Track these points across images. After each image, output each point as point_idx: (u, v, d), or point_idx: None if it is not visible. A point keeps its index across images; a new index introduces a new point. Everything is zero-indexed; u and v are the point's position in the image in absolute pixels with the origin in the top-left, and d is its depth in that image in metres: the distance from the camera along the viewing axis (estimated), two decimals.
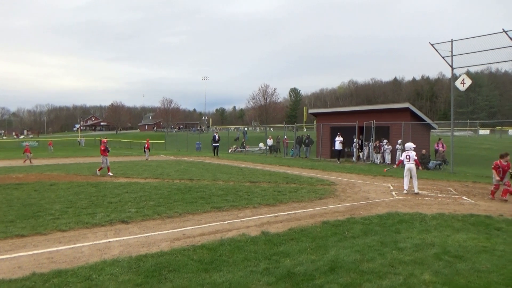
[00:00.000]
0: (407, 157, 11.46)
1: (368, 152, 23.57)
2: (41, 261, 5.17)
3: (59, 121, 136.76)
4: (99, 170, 15.90)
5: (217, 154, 29.23)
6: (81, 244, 5.92)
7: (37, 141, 60.49)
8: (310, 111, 34.29)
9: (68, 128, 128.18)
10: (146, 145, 28.08)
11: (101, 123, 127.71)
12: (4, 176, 14.99)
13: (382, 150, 22.42)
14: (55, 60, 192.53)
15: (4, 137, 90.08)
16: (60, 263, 5.04)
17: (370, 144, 22.98)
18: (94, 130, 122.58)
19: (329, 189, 11.80)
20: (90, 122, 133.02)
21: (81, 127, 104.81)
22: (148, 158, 26.61)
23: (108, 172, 15.61)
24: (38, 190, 11.19)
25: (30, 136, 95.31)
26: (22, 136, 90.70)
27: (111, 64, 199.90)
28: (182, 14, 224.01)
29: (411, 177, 11.47)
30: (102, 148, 16.45)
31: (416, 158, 11.57)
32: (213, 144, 29.83)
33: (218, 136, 30.24)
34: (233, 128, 78.48)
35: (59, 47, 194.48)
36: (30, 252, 5.53)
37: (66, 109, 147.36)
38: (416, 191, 11.26)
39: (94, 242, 6.02)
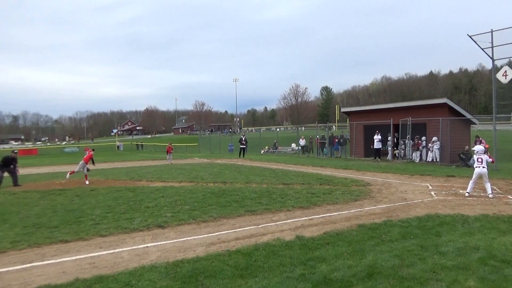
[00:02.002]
0: (479, 160, 10.55)
1: (405, 150, 22.87)
2: (84, 266, 5.37)
3: (98, 127, 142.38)
4: (86, 179, 15.10)
5: (243, 156, 29.58)
6: (120, 249, 6.10)
7: (78, 147, 63.21)
8: (343, 109, 33.68)
9: (106, 133, 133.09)
10: (167, 149, 28.07)
11: (137, 128, 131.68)
12: (48, 182, 15.75)
13: (421, 148, 21.68)
14: (96, 70, 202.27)
15: (48, 144, 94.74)
16: (101, 268, 5.21)
17: (407, 141, 22.29)
18: (131, 134, 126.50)
19: (364, 190, 11.54)
20: (126, 127, 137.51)
21: (118, 132, 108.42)
22: (171, 161, 26.33)
23: (86, 180, 15.01)
24: (79, 195, 11.67)
25: (71, 142, 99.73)
26: (64, 142, 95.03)
27: (146, 72, 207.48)
28: (213, 24, 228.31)
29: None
30: (90, 156, 16.00)
31: (490, 159, 10.89)
32: (240, 146, 30.37)
33: (245, 138, 30.81)
34: (262, 129, 78.49)
35: (100, 58, 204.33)
36: (73, 257, 5.75)
37: (104, 115, 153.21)
38: (490, 195, 10.29)
39: (133, 247, 6.18)
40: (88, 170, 15.69)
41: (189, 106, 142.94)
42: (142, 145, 65.80)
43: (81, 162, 15.87)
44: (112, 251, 6.04)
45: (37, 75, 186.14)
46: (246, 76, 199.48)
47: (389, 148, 23.97)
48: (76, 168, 16.20)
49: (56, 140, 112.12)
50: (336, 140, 27.93)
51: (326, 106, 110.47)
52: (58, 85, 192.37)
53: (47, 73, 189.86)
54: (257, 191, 11.49)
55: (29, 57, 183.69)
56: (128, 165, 25.81)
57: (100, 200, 10.73)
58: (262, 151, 37.49)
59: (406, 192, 11.20)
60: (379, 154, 23.27)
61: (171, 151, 27.43)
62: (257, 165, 22.25)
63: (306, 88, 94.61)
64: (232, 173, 17.38)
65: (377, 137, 23.09)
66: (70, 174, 16.25)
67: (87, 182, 14.89)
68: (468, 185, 10.72)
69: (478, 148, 10.83)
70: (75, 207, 9.73)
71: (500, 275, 4.63)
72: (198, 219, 7.98)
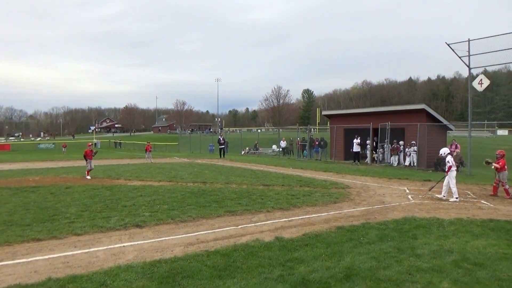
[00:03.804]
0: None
1: (383, 154, 23.30)
2: (57, 265, 5.22)
3: (75, 123, 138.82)
4: (88, 174, 15.64)
5: (223, 156, 30.09)
6: (96, 249, 5.96)
7: (53, 144, 61.64)
8: (324, 112, 34.07)
9: (83, 130, 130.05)
10: (146, 148, 27.89)
11: (116, 125, 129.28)
12: (21, 178, 15.28)
13: (399, 152, 22.11)
14: (75, 66, 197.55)
15: (22, 139, 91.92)
16: (75, 268, 5.08)
17: (385, 145, 22.71)
18: (109, 132, 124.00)
19: (343, 193, 11.69)
20: (104, 124, 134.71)
21: (96, 129, 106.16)
22: (151, 160, 26.30)
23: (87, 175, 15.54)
24: (54, 193, 11.36)
25: (46, 138, 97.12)
26: (38, 138, 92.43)
27: (126, 69, 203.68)
28: (195, 23, 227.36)
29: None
30: (88, 152, 16.27)
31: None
32: (219, 147, 31.09)
33: (222, 138, 31.73)
34: (243, 130, 78.38)
35: (80, 54, 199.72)
36: (46, 256, 5.59)
37: (82, 111, 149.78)
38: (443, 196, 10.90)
39: (109, 247, 6.06)
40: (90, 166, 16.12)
41: (169, 105, 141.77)
42: (120, 143, 64.74)
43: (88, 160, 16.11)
44: (87, 250, 5.90)
45: (11, 68, 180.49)
46: (228, 76, 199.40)
47: (368, 152, 24.37)
48: (88, 166, 16.04)
49: (31, 135, 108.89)
50: (317, 143, 28.23)
51: (308, 109, 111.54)
52: (34, 79, 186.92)
53: (23, 67, 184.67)
54: (237, 192, 11.47)
55: (3, 50, 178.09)
56: (105, 163, 25.32)
57: (75, 198, 10.47)
58: (243, 152, 37.47)
59: (384, 195, 11.40)
60: (358, 157, 23.63)
61: (150, 150, 27.22)
62: (237, 165, 22.22)
63: (288, 90, 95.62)
64: (212, 173, 17.30)
65: (356, 140, 23.46)
66: (88, 174, 15.73)
67: (88, 177, 15.26)
68: (442, 189, 11.01)
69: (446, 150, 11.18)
70: (49, 205, 9.46)
71: (472, 277, 4.76)
72: (177, 219, 7.89)
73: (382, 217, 8.26)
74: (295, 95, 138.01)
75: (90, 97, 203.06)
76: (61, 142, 57.32)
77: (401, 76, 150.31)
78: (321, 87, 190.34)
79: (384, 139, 22.46)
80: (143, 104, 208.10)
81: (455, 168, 10.89)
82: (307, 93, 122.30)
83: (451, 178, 10.73)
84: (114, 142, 67.21)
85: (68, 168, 21.00)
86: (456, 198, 10.61)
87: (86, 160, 16.06)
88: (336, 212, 8.83)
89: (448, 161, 10.86)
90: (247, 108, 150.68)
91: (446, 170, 10.89)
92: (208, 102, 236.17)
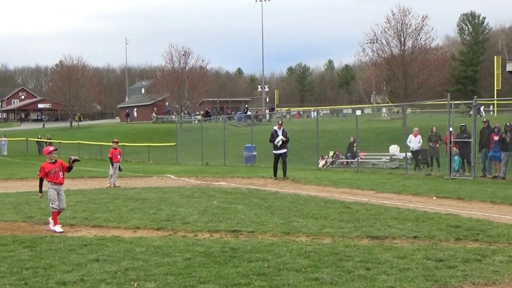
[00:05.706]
0: None
1: None
2: None
3: None
4: (53, 218, 14.98)
5: (284, 174, 29.89)
6: None
7: None
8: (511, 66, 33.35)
9: None
10: (110, 154, 28.88)
11: (39, 105, 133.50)
12: None
13: None
14: None
15: None
16: None
17: None
18: (25, 119, 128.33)
19: None
20: (16, 103, 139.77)
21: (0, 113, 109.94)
22: (115, 182, 27.66)
23: (49, 222, 15.14)
24: None
25: None
26: None
27: None
28: None
29: None
30: (47, 167, 15.02)
31: None
32: (275, 152, 30.31)
33: (282, 130, 30.35)
34: (323, 112, 78.37)
35: None
36: None
37: None
38: None
39: None
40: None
41: (155, 59, 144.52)
42: (50, 143, 66.77)
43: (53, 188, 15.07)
44: None
45: None
46: None
47: None
48: (53, 201, 14.99)
49: None
50: (496, 138, 27.65)
51: (472, 60, 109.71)
52: None
53: None
54: (309, 253, 11.49)
55: None
56: (19, 188, 26.18)
57: None
58: (322, 162, 37.58)
59: None
60: None
61: (119, 159, 27.80)
62: (309, 193, 22.25)
63: (424, 18, 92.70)
64: (252, 210, 17.52)
65: None
66: (52, 218, 15.15)
67: (57, 229, 14.61)
68: None
69: None
70: None
71: None
72: None
73: None
74: (441, 30, 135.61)
75: None
76: None
77: None
78: (502, 8, 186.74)
79: None
80: (97, 59, 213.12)
81: None
82: (471, 22, 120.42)
83: None
84: (38, 141, 69.28)
85: None
86: None
87: (43, 187, 15.21)
88: None
89: None
90: (330, 62, 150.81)
91: None
92: (241, 52, 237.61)
